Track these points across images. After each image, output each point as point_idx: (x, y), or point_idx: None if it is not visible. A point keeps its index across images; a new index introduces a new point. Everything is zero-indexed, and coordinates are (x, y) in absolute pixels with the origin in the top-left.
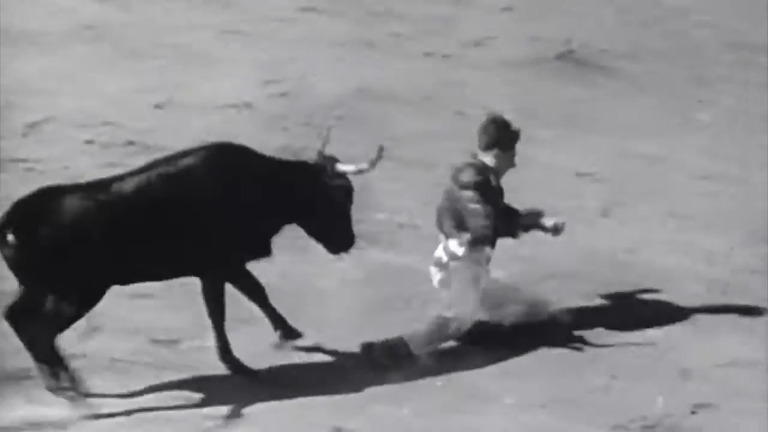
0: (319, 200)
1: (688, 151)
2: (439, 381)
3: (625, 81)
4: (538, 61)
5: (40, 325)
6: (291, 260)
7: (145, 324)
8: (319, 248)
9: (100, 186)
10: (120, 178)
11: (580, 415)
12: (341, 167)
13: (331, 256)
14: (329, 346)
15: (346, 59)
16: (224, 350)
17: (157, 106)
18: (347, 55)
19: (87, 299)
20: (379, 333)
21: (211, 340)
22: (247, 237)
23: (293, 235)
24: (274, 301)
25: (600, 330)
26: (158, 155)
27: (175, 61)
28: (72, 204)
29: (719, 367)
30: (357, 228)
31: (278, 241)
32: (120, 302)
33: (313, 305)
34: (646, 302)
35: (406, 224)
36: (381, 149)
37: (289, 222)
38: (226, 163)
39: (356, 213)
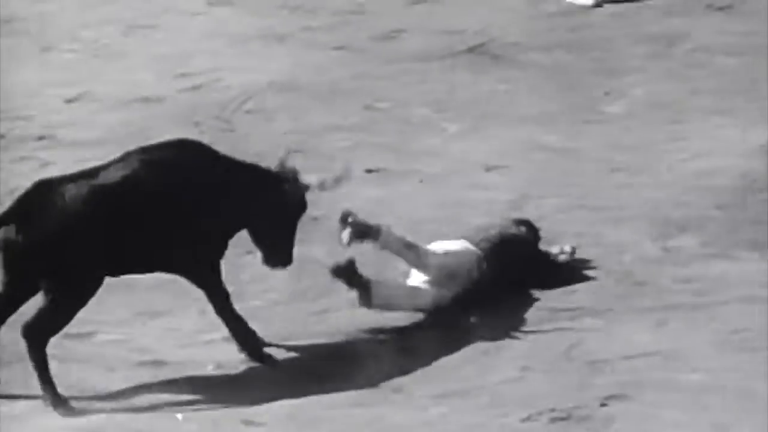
0: (274, 210)
1: (599, 143)
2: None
3: (536, 73)
4: (449, 54)
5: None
6: None
7: None
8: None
9: (90, 174)
10: (105, 167)
11: (491, 407)
12: (305, 180)
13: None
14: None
15: (256, 53)
16: (244, 341)
17: (69, 101)
18: (257, 48)
19: (84, 292)
20: (296, 325)
21: (126, 334)
22: (205, 237)
23: None
24: (189, 295)
25: (511, 321)
26: (70, 150)
27: (86, 55)
28: (65, 195)
29: (629, 359)
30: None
31: None
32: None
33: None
34: (556, 294)
35: (321, 217)
36: (348, 168)
37: (243, 227)
38: (188, 157)
39: None
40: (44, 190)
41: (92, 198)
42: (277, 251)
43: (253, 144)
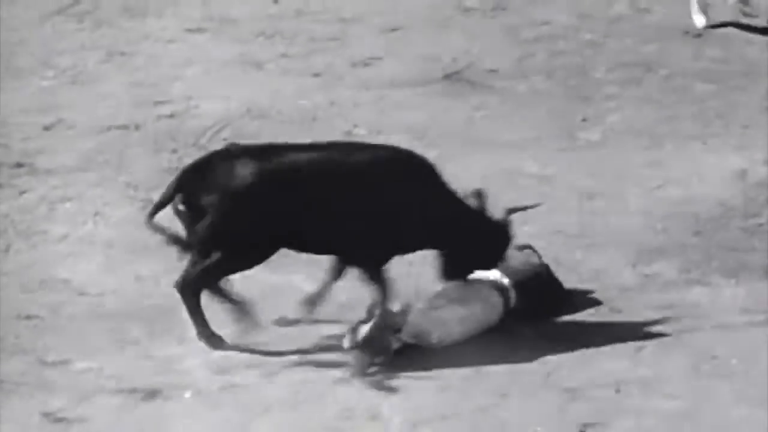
0: (468, 247)
1: (575, 170)
2: (324, 397)
3: (512, 100)
4: (425, 81)
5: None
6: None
7: (32, 344)
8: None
9: (273, 150)
10: (294, 147)
11: None
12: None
13: None
14: (236, 360)
15: (233, 80)
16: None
17: (46, 128)
18: (235, 75)
19: (256, 257)
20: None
21: (102, 362)
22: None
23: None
24: (162, 322)
25: (487, 349)
26: (48, 177)
27: (63, 81)
28: (236, 170)
29: (604, 387)
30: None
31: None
32: (8, 324)
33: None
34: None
35: None
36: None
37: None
38: (415, 171)
39: None
40: (222, 158)
41: (266, 174)
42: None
43: None
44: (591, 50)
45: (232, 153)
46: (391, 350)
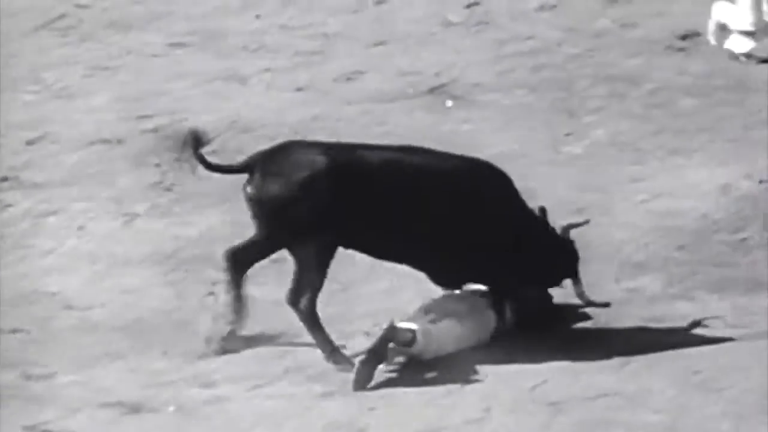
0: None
1: (560, 184)
2: (310, 411)
3: (496, 114)
4: (409, 95)
5: None
6: (162, 294)
7: (18, 358)
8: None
9: (344, 148)
10: (367, 146)
11: None
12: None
13: None
14: (220, 374)
15: (218, 94)
16: None
17: (30, 142)
18: (219, 89)
19: (320, 259)
20: (257, 365)
21: (87, 375)
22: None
23: (163, 270)
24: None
25: (474, 363)
26: (33, 191)
27: (47, 96)
28: (309, 160)
29: (592, 399)
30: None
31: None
32: None
33: (184, 339)
34: (517, 333)
35: (278, 259)
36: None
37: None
38: (496, 183)
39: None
40: (288, 149)
41: (332, 169)
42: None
43: (215, 185)
44: (575, 64)
45: (305, 145)
46: (389, 362)
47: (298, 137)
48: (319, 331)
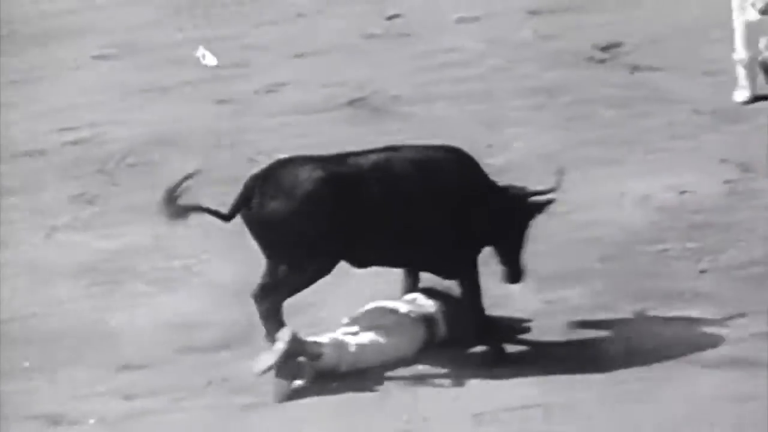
0: (518, 229)
1: None
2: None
3: (417, 126)
4: (330, 107)
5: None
6: (84, 307)
7: None
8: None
9: (335, 159)
10: (355, 153)
11: None
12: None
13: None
14: (142, 386)
15: (139, 106)
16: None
17: None
18: (141, 102)
19: (316, 272)
20: (180, 378)
21: (7, 388)
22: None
23: (85, 282)
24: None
25: (394, 374)
26: None
27: None
28: (307, 175)
29: (511, 411)
30: (153, 275)
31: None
32: None
33: (106, 352)
34: (436, 346)
35: (201, 272)
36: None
37: (490, 245)
38: (472, 167)
39: (153, 261)
40: (283, 167)
41: (331, 181)
42: (517, 266)
43: (137, 198)
44: (496, 76)
45: (296, 161)
46: (307, 375)
47: (219, 150)
48: (276, 325)
